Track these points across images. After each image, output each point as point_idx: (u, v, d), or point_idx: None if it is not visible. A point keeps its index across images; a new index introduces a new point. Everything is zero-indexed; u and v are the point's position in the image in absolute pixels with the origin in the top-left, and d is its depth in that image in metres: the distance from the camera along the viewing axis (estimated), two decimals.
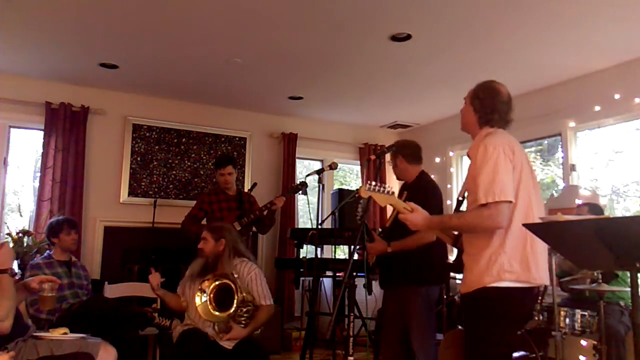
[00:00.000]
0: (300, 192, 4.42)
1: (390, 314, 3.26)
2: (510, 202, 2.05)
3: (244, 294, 3.06)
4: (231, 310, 2.97)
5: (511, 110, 2.30)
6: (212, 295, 2.98)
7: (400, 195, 3.22)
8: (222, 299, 2.99)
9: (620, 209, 4.71)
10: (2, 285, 2.18)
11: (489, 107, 2.27)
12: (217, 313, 2.96)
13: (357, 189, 4.80)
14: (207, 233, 3.26)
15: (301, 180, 4.38)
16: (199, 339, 2.97)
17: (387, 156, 3.35)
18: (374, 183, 2.33)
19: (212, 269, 3.15)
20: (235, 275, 3.04)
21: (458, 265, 2.40)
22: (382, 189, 2.33)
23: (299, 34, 3.95)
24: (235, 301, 2.97)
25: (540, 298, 3.59)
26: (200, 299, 2.97)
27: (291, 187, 4.74)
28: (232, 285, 2.99)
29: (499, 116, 2.26)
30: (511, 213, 2.09)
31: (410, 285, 3.11)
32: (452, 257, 5.01)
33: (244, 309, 3.08)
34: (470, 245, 2.22)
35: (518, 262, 2.08)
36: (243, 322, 3.08)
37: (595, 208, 3.82)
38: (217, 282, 3.01)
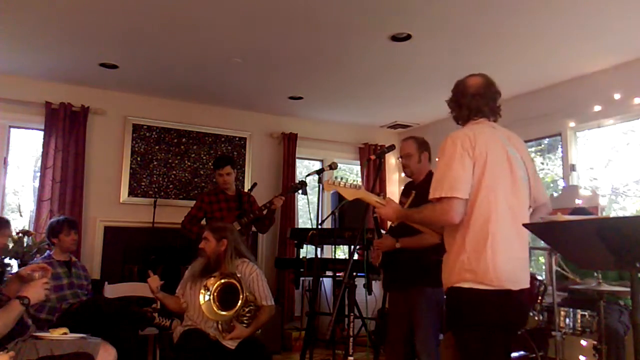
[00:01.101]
0: (299, 191, 4.41)
1: (396, 315, 3.24)
2: (460, 198, 1.97)
3: (247, 294, 3.06)
4: (236, 309, 2.97)
5: (485, 98, 2.20)
6: (216, 294, 2.97)
7: (407, 195, 3.18)
8: (225, 298, 2.99)
9: (620, 209, 4.71)
10: (9, 309, 2.23)
11: (455, 104, 2.25)
12: (221, 312, 2.96)
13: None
14: (209, 233, 3.25)
15: (300, 179, 4.38)
16: (201, 339, 2.98)
17: (387, 156, 3.31)
18: (337, 178, 2.35)
19: (214, 269, 3.15)
20: (239, 275, 3.04)
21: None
22: (347, 183, 2.33)
23: (298, 34, 3.95)
24: (240, 300, 2.97)
25: (540, 298, 3.60)
26: (203, 297, 2.96)
27: (290, 187, 4.74)
28: (238, 285, 2.99)
29: (468, 111, 2.20)
30: (470, 209, 2.00)
31: (417, 286, 3.09)
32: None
33: (247, 309, 3.09)
34: (446, 244, 2.17)
35: (477, 261, 1.98)
36: (245, 321, 3.08)
37: (580, 212, 3.83)
38: (222, 281, 3.00)
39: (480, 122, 2.18)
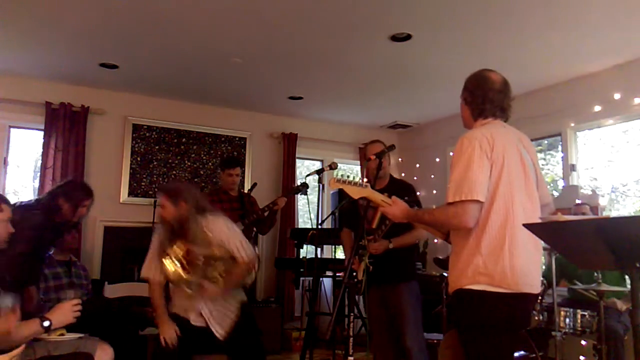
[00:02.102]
0: (300, 192, 4.41)
1: (377, 315, 3.26)
2: (478, 201, 1.93)
3: (213, 250, 2.91)
4: (199, 269, 2.86)
5: (507, 97, 2.15)
6: (180, 261, 2.89)
7: None
8: (191, 263, 2.91)
9: (620, 209, 4.71)
10: (26, 325, 2.13)
11: (479, 97, 2.15)
12: (187, 275, 2.88)
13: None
14: (164, 199, 2.95)
15: (302, 181, 4.38)
16: (183, 326, 2.87)
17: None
18: (344, 175, 2.31)
19: (179, 234, 2.94)
20: (209, 235, 2.91)
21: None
22: (352, 181, 2.29)
23: (298, 34, 3.95)
24: (199, 259, 2.87)
25: (540, 298, 3.60)
26: (170, 267, 2.87)
27: (292, 188, 4.73)
28: (194, 247, 2.90)
29: (492, 105, 2.13)
30: (486, 212, 1.97)
31: (403, 282, 3.16)
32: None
33: (216, 265, 2.92)
34: (454, 244, 2.13)
35: (493, 265, 1.95)
36: (216, 280, 2.91)
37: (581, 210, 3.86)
38: (183, 249, 2.92)
39: (491, 122, 2.14)
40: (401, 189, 3.18)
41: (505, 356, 2.03)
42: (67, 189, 3.11)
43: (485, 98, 2.14)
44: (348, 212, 3.55)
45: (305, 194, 4.22)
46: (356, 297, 3.30)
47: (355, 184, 2.30)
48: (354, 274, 3.11)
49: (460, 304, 2.06)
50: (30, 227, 2.75)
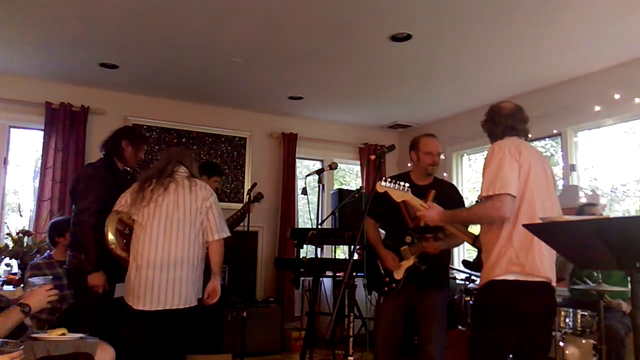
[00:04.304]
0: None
1: (394, 315, 3.21)
2: (511, 195, 2.15)
3: None
4: None
5: (517, 119, 2.45)
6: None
7: (426, 195, 3.05)
8: None
9: (620, 209, 4.71)
10: (8, 315, 2.18)
11: (489, 122, 2.51)
12: None
13: (357, 189, 4.80)
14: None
15: (302, 181, 4.37)
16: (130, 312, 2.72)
17: (387, 156, 3.09)
18: (389, 179, 2.54)
19: None
20: None
21: (478, 264, 2.53)
22: (397, 185, 2.51)
23: (298, 34, 3.95)
24: None
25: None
26: None
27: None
28: None
29: (501, 126, 2.44)
30: (517, 208, 2.19)
31: (439, 289, 3.11)
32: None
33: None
34: (484, 243, 2.33)
35: (526, 256, 2.17)
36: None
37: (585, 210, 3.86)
38: None
39: (510, 138, 2.39)
40: (445, 186, 3.22)
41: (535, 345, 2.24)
42: (128, 132, 3.36)
43: (494, 122, 2.49)
44: (386, 206, 3.08)
45: (305, 193, 4.20)
46: (381, 298, 3.22)
47: (398, 188, 2.53)
48: (384, 272, 3.10)
49: (491, 294, 2.24)
50: (95, 180, 3.08)
